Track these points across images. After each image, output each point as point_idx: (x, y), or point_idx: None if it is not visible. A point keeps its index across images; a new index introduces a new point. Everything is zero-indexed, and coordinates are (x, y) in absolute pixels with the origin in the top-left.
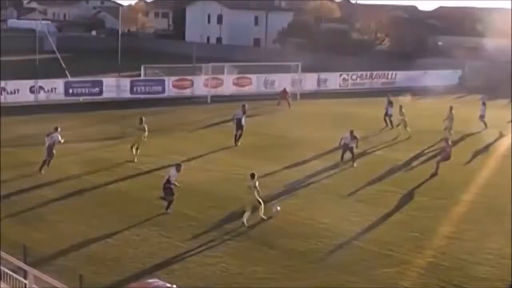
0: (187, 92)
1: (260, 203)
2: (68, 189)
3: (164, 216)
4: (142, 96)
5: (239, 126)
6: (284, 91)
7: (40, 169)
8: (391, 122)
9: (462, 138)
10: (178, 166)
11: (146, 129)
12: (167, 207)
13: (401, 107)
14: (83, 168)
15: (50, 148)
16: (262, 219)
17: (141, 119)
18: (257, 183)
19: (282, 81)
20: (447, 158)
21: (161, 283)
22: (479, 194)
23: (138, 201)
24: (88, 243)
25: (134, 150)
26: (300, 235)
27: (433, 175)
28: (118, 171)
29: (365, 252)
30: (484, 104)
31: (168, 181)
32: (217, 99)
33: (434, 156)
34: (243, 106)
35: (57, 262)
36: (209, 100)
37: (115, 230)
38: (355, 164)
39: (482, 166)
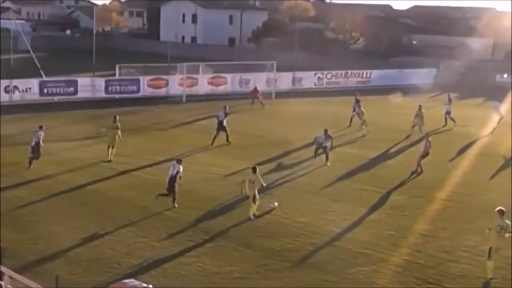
0: (162, 91)
1: (255, 200)
2: (44, 189)
3: (140, 216)
4: (117, 95)
5: (220, 127)
6: (255, 90)
7: (29, 165)
8: (353, 120)
9: (436, 137)
10: (179, 161)
11: (120, 127)
12: (174, 201)
13: (359, 104)
14: (59, 168)
15: (36, 146)
16: (251, 217)
17: (114, 118)
18: (259, 177)
19: (257, 80)
20: (426, 154)
21: (137, 283)
22: (454, 192)
23: (115, 201)
24: (65, 244)
25: (110, 149)
26: (276, 234)
27: (415, 173)
28: (94, 171)
29: (341, 250)
30: (449, 100)
31: (174, 177)
32: (192, 98)
33: (409, 154)
34: (225, 107)
35: (34, 262)
36: (184, 100)
37: (91, 231)
38: (328, 163)
39: (457, 164)
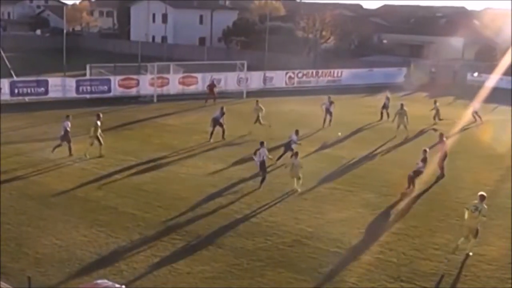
0: (133, 91)
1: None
2: (14, 190)
3: (111, 216)
4: (88, 95)
5: (216, 124)
6: (212, 84)
7: (70, 153)
8: (330, 120)
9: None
10: (262, 143)
11: (99, 125)
12: (261, 182)
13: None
14: (29, 169)
15: (64, 135)
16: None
17: (98, 116)
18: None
19: (228, 80)
20: (445, 156)
21: (110, 283)
22: (425, 191)
23: (85, 202)
24: (36, 245)
25: (88, 145)
26: (248, 234)
27: (441, 177)
28: (64, 171)
29: (312, 249)
30: (388, 98)
31: (263, 161)
32: (163, 98)
33: (380, 153)
34: (222, 108)
35: (5, 264)
36: (155, 100)
37: (62, 232)
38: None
39: (427, 162)
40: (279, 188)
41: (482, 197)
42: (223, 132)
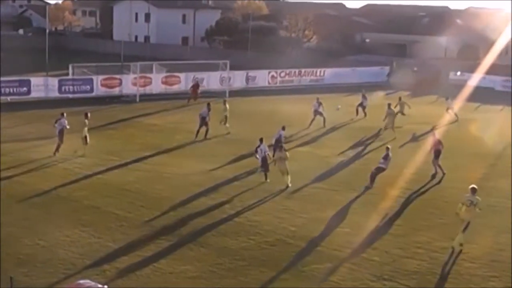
0: (115, 91)
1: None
2: None
3: (94, 216)
4: (71, 95)
5: (203, 123)
6: (196, 84)
7: (55, 152)
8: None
9: (387, 134)
10: (261, 139)
11: (87, 123)
12: (265, 176)
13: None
14: (12, 169)
15: (61, 133)
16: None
17: (86, 115)
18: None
19: (211, 79)
20: (439, 151)
21: (92, 283)
22: (409, 189)
23: (68, 201)
24: (18, 245)
25: (85, 144)
26: (231, 233)
27: (443, 175)
28: (47, 171)
29: (295, 248)
30: (364, 96)
31: (265, 157)
32: (146, 97)
33: (363, 152)
34: (208, 104)
35: None
36: (138, 99)
37: (45, 232)
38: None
39: (410, 161)
40: (262, 188)
41: (474, 190)
42: (207, 131)
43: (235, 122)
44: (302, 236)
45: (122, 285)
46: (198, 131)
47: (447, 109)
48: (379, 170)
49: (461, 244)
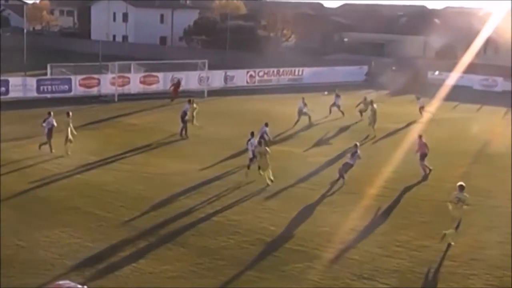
0: (94, 91)
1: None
2: None
3: (73, 217)
4: (49, 95)
5: (183, 119)
6: (178, 83)
7: (51, 149)
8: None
9: (366, 133)
10: (252, 133)
11: (70, 122)
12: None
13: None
14: None
15: (49, 132)
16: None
17: (68, 114)
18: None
19: (190, 79)
20: (424, 153)
21: (72, 284)
22: (387, 188)
23: (48, 202)
24: None
25: (67, 144)
26: (211, 233)
27: (425, 176)
28: (26, 172)
29: (275, 248)
30: (337, 95)
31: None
32: (125, 97)
33: (341, 151)
34: (189, 100)
35: None
36: (116, 99)
37: (25, 232)
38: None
39: (389, 160)
40: (242, 187)
41: (461, 187)
42: (185, 129)
43: (214, 121)
44: (282, 236)
45: (102, 285)
46: (182, 130)
47: (420, 108)
48: (346, 166)
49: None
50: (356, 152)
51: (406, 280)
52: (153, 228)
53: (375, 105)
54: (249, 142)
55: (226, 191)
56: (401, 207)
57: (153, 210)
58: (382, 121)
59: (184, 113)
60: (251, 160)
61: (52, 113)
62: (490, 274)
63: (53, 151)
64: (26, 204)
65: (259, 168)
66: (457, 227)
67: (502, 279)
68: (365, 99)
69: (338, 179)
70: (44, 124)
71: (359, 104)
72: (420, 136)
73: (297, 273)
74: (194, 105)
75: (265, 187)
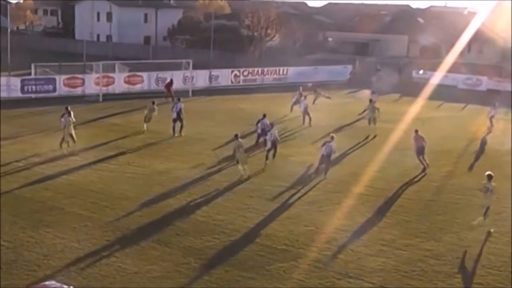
0: (78, 90)
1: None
2: None
3: (58, 217)
4: (33, 95)
5: (178, 118)
6: (171, 82)
7: (60, 145)
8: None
9: (350, 132)
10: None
11: (71, 121)
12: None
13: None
14: None
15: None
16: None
17: (69, 112)
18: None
19: (174, 79)
20: (422, 147)
21: (58, 285)
22: (372, 187)
23: (31, 202)
24: None
25: (64, 141)
26: (195, 233)
27: (423, 171)
28: (10, 172)
29: (260, 247)
30: (300, 94)
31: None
32: (109, 97)
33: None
34: (179, 99)
35: None
36: (101, 99)
37: (9, 233)
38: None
39: (373, 159)
40: (227, 186)
41: (490, 177)
42: (182, 127)
43: (199, 121)
44: (266, 235)
45: (87, 286)
46: (181, 126)
47: (370, 100)
48: (322, 157)
49: (489, 232)
50: (329, 143)
51: (392, 278)
52: (138, 228)
53: (376, 104)
54: (260, 122)
55: (210, 190)
56: (386, 206)
57: (138, 210)
58: (366, 120)
59: (180, 110)
60: (272, 147)
61: (69, 108)
62: (475, 273)
63: (63, 146)
64: (10, 204)
65: (237, 162)
66: (485, 215)
67: (487, 277)
68: (315, 91)
69: (318, 172)
70: (62, 119)
71: (314, 102)
72: (416, 131)
73: (282, 273)
74: (155, 106)
75: (245, 179)
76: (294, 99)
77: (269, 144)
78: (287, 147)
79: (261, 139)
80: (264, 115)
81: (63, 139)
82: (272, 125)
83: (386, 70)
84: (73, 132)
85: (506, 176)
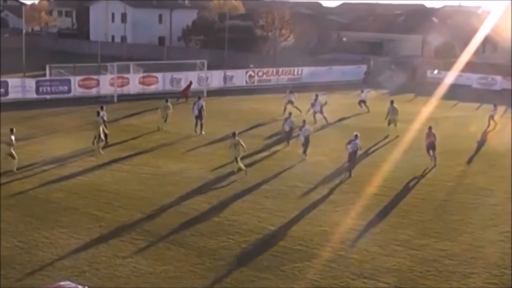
0: (93, 91)
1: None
2: None
3: (72, 217)
4: (48, 96)
5: (199, 117)
6: (190, 84)
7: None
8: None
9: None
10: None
11: (102, 120)
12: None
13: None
14: None
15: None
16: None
17: (98, 112)
18: (241, 141)
19: (189, 79)
20: (432, 143)
21: (73, 285)
22: (386, 187)
23: (46, 203)
24: None
25: (95, 142)
26: (210, 233)
27: (434, 166)
28: (24, 173)
29: (275, 247)
30: (291, 92)
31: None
32: (124, 98)
33: (341, 151)
34: (199, 97)
35: None
36: (115, 100)
37: (23, 233)
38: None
39: (387, 159)
40: (241, 187)
41: None
42: (198, 125)
43: (213, 121)
44: (281, 235)
45: (102, 286)
46: (196, 125)
47: (360, 102)
48: (350, 155)
49: None
50: (354, 141)
51: (406, 279)
52: (152, 229)
53: (395, 105)
54: (288, 121)
55: (225, 191)
56: (400, 206)
57: (152, 210)
58: (381, 120)
59: (201, 108)
60: (303, 145)
61: (104, 107)
62: (490, 273)
63: (102, 143)
64: (25, 205)
65: (236, 160)
66: None
67: (502, 277)
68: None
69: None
70: (98, 118)
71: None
72: (429, 127)
73: (297, 273)
74: (169, 104)
75: (263, 187)
76: (286, 100)
77: (302, 139)
78: (299, 146)
79: (291, 138)
80: (290, 114)
81: (99, 137)
82: (304, 122)
83: (400, 70)
84: (101, 131)
85: None
